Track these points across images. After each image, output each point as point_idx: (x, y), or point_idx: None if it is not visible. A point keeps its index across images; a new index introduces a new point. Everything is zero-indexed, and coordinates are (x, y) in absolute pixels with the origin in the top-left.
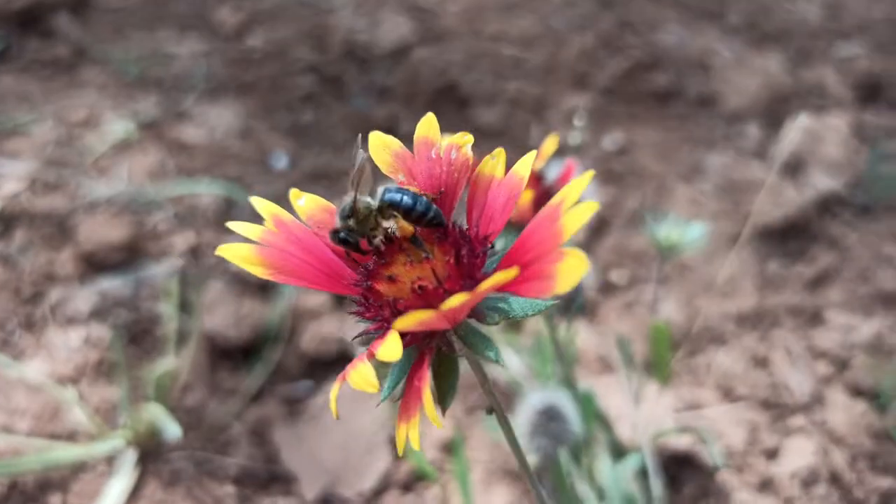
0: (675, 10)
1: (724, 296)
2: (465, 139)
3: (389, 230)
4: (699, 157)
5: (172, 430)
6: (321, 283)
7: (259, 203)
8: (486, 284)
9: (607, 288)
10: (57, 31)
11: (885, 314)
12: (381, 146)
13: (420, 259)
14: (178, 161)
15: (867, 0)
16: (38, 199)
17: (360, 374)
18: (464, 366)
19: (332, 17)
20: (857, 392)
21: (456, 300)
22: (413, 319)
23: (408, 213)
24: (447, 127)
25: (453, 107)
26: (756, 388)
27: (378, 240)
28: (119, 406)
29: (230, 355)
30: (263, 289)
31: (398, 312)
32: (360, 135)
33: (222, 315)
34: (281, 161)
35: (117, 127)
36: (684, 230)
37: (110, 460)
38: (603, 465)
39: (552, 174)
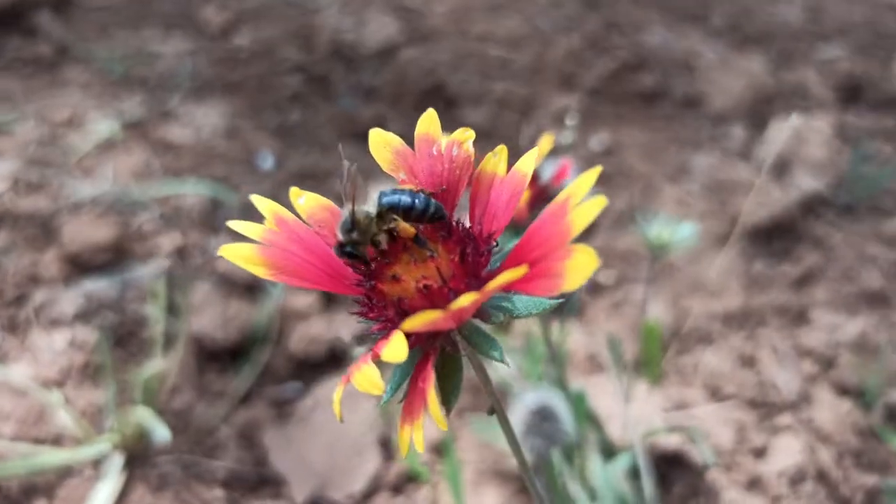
0: (659, 12)
1: (710, 295)
2: (467, 135)
3: (393, 231)
4: (685, 158)
5: (161, 432)
6: (323, 283)
7: (260, 201)
8: (496, 283)
9: (595, 288)
10: (39, 30)
11: (870, 313)
12: (381, 144)
13: (424, 258)
14: (163, 161)
15: (847, 3)
16: (20, 199)
17: (365, 376)
18: None
19: (319, 17)
20: (842, 390)
21: (466, 300)
22: (422, 320)
23: (408, 212)
24: None
25: (441, 107)
26: (743, 387)
27: (384, 243)
28: (105, 409)
29: (218, 357)
30: (250, 290)
31: (403, 312)
32: (339, 145)
33: (209, 316)
34: (267, 161)
35: (101, 126)
36: (675, 229)
37: (97, 464)
38: (594, 464)
39: (546, 173)
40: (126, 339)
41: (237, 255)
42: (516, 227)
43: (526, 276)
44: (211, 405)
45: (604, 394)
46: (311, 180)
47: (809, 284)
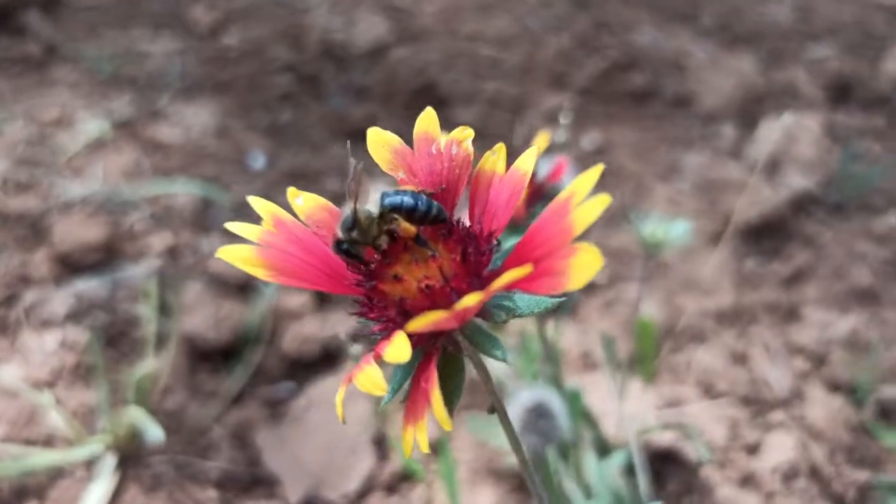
0: (648, 11)
1: (703, 294)
2: (466, 134)
3: (393, 231)
4: (676, 157)
5: (154, 433)
6: (322, 284)
7: (257, 202)
8: (500, 282)
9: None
10: (28, 29)
11: (860, 310)
12: (379, 143)
13: (425, 258)
14: (153, 160)
15: (836, 3)
16: (10, 199)
17: (368, 377)
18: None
19: (308, 17)
20: (834, 387)
21: (471, 299)
22: (427, 321)
23: (410, 214)
24: None
25: (432, 106)
26: (736, 384)
27: (384, 244)
28: (97, 410)
29: (210, 357)
30: (243, 289)
31: (404, 312)
32: (348, 141)
33: (201, 316)
34: (258, 161)
35: (91, 126)
36: (669, 228)
37: (89, 465)
38: (589, 462)
39: (542, 171)
40: (117, 339)
41: (236, 257)
42: (513, 225)
43: (529, 275)
44: (203, 405)
45: (597, 392)
46: (302, 180)
47: (800, 282)
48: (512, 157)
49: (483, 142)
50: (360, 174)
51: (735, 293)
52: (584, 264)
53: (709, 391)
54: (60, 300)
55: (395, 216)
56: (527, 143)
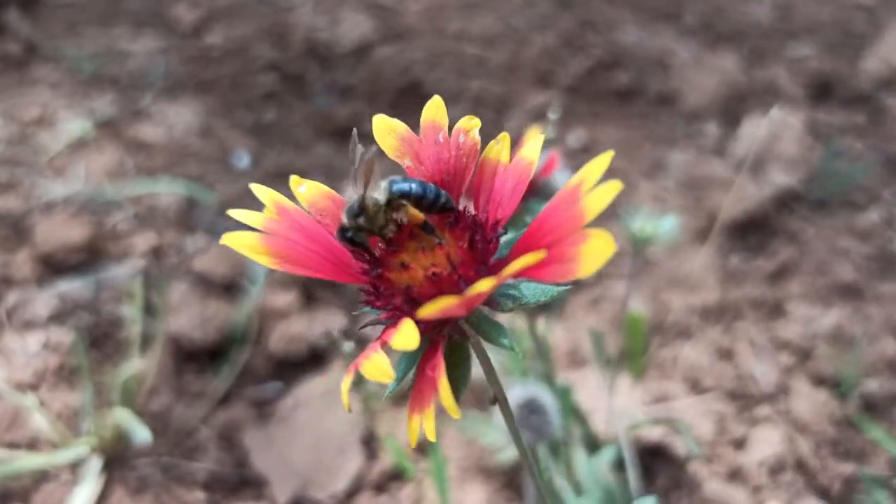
0: (632, 10)
1: (688, 290)
2: (473, 123)
3: (400, 220)
4: (661, 155)
5: (141, 434)
6: (327, 272)
7: (260, 190)
8: (512, 268)
9: (574, 284)
10: (7, 28)
11: (844, 305)
12: (386, 130)
13: (432, 245)
14: (136, 160)
15: (815, 2)
16: None
17: (375, 364)
18: None
19: (292, 15)
20: (819, 381)
21: (484, 285)
22: (437, 307)
23: (419, 201)
24: (412, 125)
25: (417, 105)
26: (722, 379)
27: (390, 232)
28: (82, 412)
29: (196, 358)
30: (228, 289)
31: (411, 300)
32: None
33: (187, 317)
34: (243, 160)
35: (73, 125)
36: (657, 223)
37: (74, 468)
38: (579, 458)
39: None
40: (102, 340)
41: (240, 244)
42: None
43: (539, 262)
44: (190, 406)
45: (586, 388)
46: (287, 179)
47: (784, 278)
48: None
49: None
50: (371, 161)
51: (720, 289)
52: (596, 250)
53: (695, 386)
54: (43, 301)
55: (404, 203)
56: (514, 141)
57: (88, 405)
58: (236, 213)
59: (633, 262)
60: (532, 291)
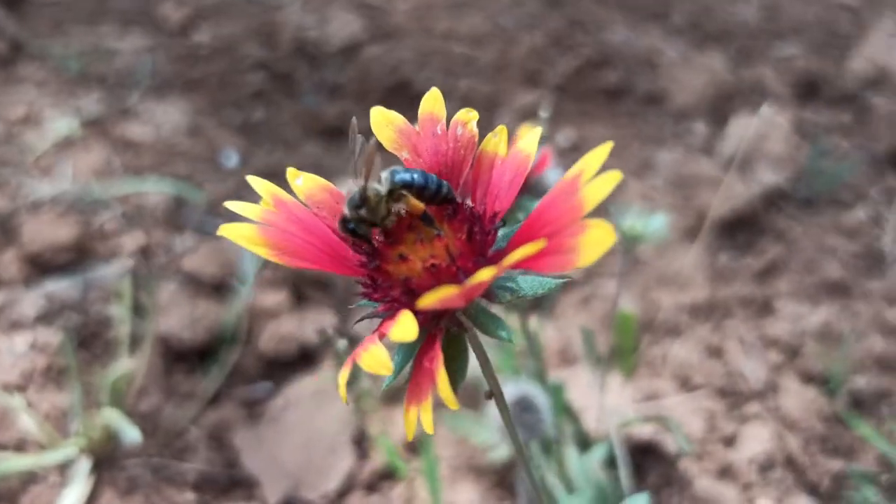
0: (620, 10)
1: (677, 288)
2: (471, 115)
3: (400, 211)
4: (649, 154)
5: (131, 434)
6: (324, 264)
7: (257, 182)
8: (512, 258)
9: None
10: None
11: (832, 302)
12: (383, 122)
13: (430, 237)
14: (124, 159)
15: (801, 2)
16: None
17: (373, 356)
18: None
19: (280, 14)
20: (808, 378)
21: (486, 274)
22: (437, 297)
23: (421, 191)
24: None
25: (406, 104)
26: (712, 377)
27: (390, 223)
28: (70, 413)
29: (186, 358)
30: (218, 289)
31: (410, 292)
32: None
33: (176, 316)
34: (231, 159)
35: (59, 124)
36: (647, 221)
37: (63, 469)
38: (571, 456)
39: None
40: (90, 340)
41: (238, 235)
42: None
43: (538, 253)
44: (179, 406)
45: (576, 386)
46: (276, 178)
47: (773, 276)
48: None
49: None
50: (372, 151)
51: (709, 287)
52: (596, 240)
53: (685, 384)
54: (30, 301)
55: (404, 193)
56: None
57: (77, 406)
58: (233, 205)
59: (624, 260)
60: (529, 283)
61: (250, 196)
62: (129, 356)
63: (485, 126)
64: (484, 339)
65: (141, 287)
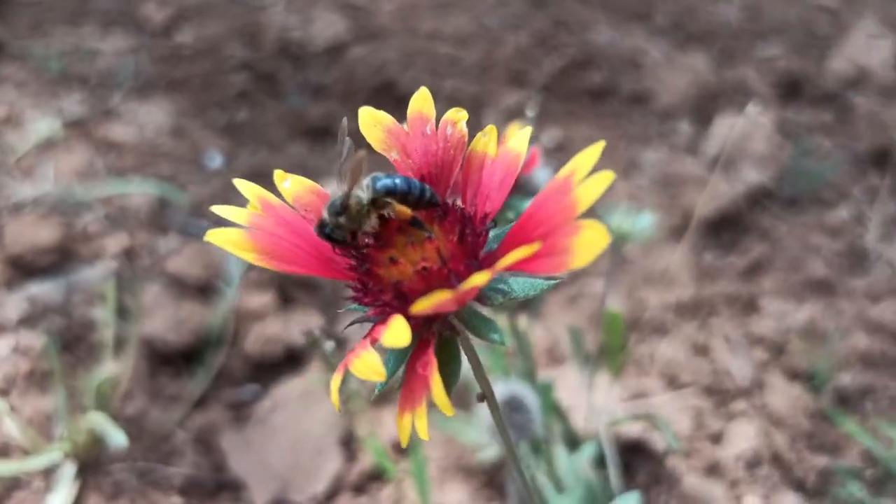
0: (604, 11)
1: (663, 287)
2: (461, 115)
3: (386, 214)
4: (635, 153)
5: (117, 438)
6: (312, 268)
7: (244, 185)
8: (507, 261)
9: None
10: None
11: (816, 300)
12: (372, 122)
13: (421, 240)
14: (107, 160)
15: (783, 3)
16: None
17: (366, 363)
18: None
19: (264, 15)
20: (793, 375)
21: (480, 278)
22: (431, 302)
23: (405, 197)
24: None
25: (391, 105)
26: (699, 375)
27: (372, 228)
28: (54, 417)
29: (171, 360)
30: (203, 291)
31: (401, 295)
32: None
33: (161, 319)
34: (215, 160)
35: (41, 125)
36: (634, 221)
37: (47, 474)
38: (560, 455)
39: None
40: (74, 343)
41: (225, 240)
42: None
43: (532, 255)
44: (165, 410)
45: (564, 386)
46: (260, 179)
47: (758, 274)
48: None
49: None
50: (360, 158)
51: (695, 286)
52: (590, 241)
53: (672, 382)
54: (13, 304)
55: (389, 200)
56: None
57: (61, 410)
58: (220, 209)
59: (611, 259)
60: (521, 285)
61: (235, 197)
62: (114, 359)
63: (471, 126)
64: (474, 341)
65: (125, 289)
